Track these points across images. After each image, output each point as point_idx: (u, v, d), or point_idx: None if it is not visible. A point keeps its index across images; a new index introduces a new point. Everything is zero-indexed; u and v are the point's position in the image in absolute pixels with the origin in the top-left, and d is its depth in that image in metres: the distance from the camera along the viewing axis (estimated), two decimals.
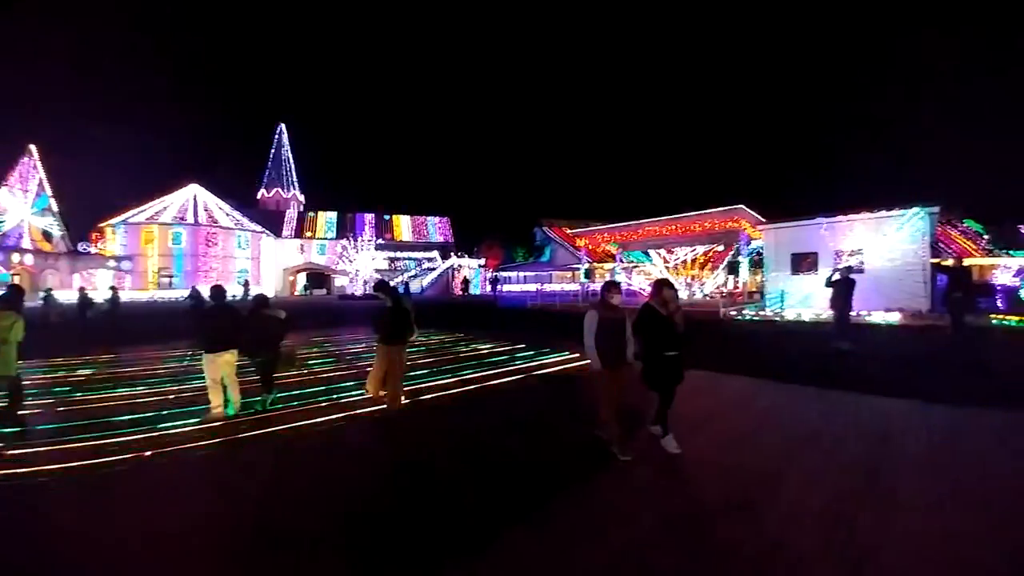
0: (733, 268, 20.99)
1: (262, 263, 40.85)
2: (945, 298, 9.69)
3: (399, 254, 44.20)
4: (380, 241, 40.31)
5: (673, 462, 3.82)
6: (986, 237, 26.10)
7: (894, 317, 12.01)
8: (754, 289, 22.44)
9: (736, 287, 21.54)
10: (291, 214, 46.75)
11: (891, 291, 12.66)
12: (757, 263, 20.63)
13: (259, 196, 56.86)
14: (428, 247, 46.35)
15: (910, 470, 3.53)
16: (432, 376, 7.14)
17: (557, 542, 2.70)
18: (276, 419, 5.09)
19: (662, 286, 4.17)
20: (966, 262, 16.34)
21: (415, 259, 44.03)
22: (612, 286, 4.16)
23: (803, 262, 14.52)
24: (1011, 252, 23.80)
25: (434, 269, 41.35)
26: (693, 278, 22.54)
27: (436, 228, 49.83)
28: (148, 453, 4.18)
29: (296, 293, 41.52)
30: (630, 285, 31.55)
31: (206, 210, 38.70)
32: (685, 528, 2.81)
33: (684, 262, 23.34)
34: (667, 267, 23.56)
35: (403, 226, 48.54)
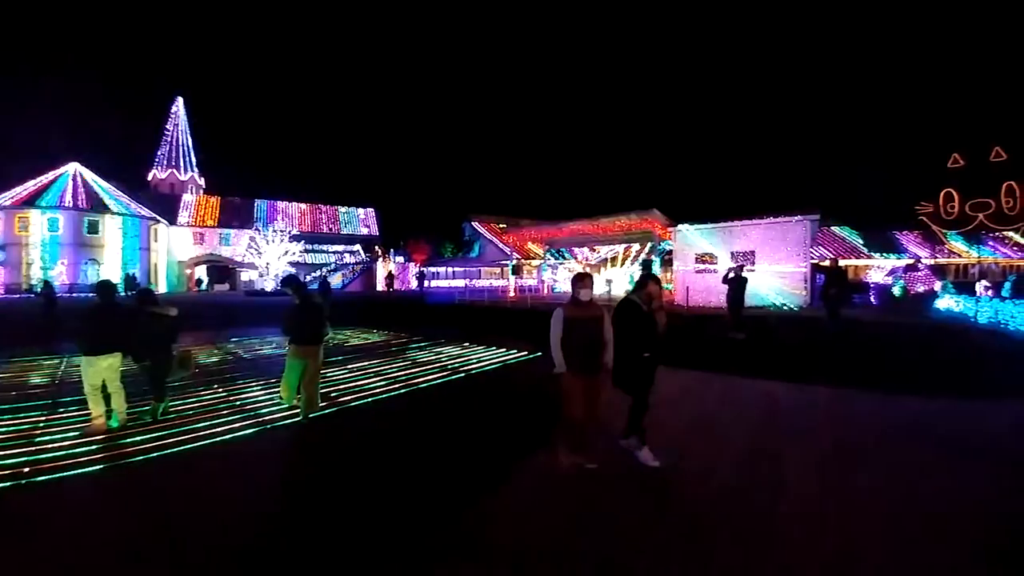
0: (647, 266, 22.55)
1: (156, 254, 36.24)
2: (822, 294, 11.21)
3: (318, 247, 41.53)
4: (295, 232, 37.56)
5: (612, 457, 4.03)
6: (860, 241, 30.56)
7: (780, 310, 13.71)
8: (667, 285, 24.32)
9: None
10: (189, 199, 41.77)
11: (777, 288, 14.42)
12: (667, 262, 22.34)
13: (150, 178, 50.35)
14: (351, 240, 44.12)
15: (789, 437, 4.10)
16: (353, 378, 6.87)
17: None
18: (169, 431, 4.59)
19: (648, 280, 3.80)
20: (841, 263, 18.90)
21: (336, 252, 41.69)
22: (582, 279, 3.63)
23: (704, 262, 16.02)
24: (884, 254, 28.02)
25: (357, 263, 39.55)
26: (618, 274, 23.95)
27: (360, 220, 47.56)
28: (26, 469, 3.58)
29: (195, 288, 37.25)
30: (555, 281, 32.63)
31: (88, 192, 33.36)
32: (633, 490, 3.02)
33: (605, 260, 24.70)
34: (590, 264, 24.81)
35: (323, 216, 45.68)
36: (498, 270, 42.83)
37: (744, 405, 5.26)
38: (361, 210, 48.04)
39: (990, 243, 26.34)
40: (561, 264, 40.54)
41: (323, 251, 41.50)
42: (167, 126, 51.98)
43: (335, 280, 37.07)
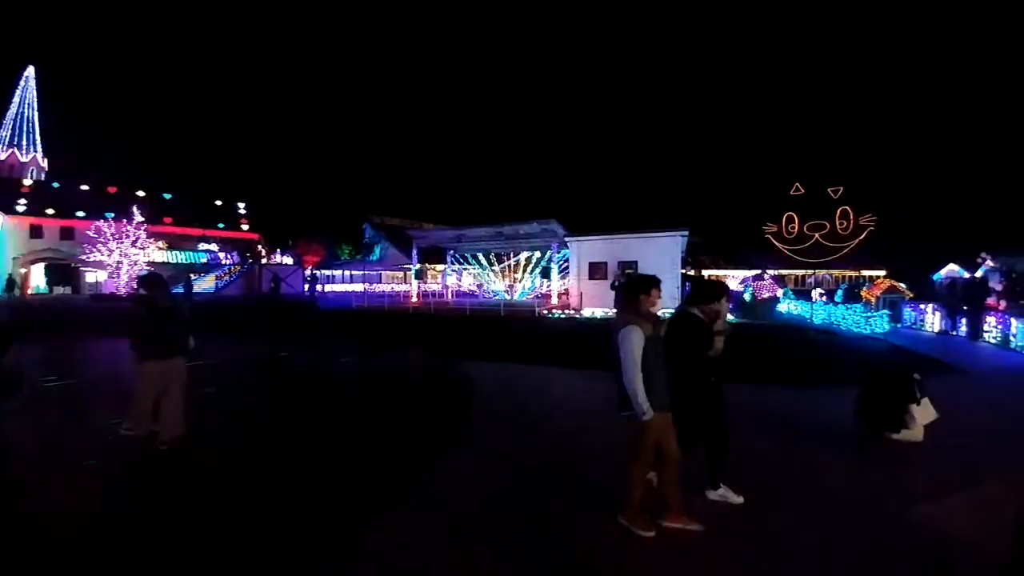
0: (546, 273, 23.64)
1: None
2: (688, 299, 12.81)
3: (186, 245, 36.36)
4: (158, 227, 32.43)
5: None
6: (719, 255, 35.62)
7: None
8: (564, 291, 25.73)
9: (549, 290, 24.33)
10: (28, 184, 33.92)
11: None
12: (565, 269, 23.70)
13: None
14: (227, 239, 39.40)
15: None
16: (225, 396, 6.17)
17: None
18: None
19: (722, 293, 3.23)
20: (705, 273, 21.59)
21: (209, 251, 36.89)
22: (653, 284, 2.86)
23: (596, 270, 17.37)
24: (737, 266, 32.83)
25: (235, 264, 35.45)
26: (516, 280, 24.65)
27: (240, 216, 42.70)
28: None
29: (31, 291, 30.20)
30: (459, 286, 32.57)
31: None
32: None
33: (508, 266, 25.35)
34: (494, 270, 25.29)
35: (194, 210, 40.12)
36: (401, 274, 41.54)
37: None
38: (242, 205, 43.21)
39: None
40: (466, 269, 40.57)
41: (192, 250, 36.43)
42: (16, 100, 42.76)
43: (207, 283, 32.77)
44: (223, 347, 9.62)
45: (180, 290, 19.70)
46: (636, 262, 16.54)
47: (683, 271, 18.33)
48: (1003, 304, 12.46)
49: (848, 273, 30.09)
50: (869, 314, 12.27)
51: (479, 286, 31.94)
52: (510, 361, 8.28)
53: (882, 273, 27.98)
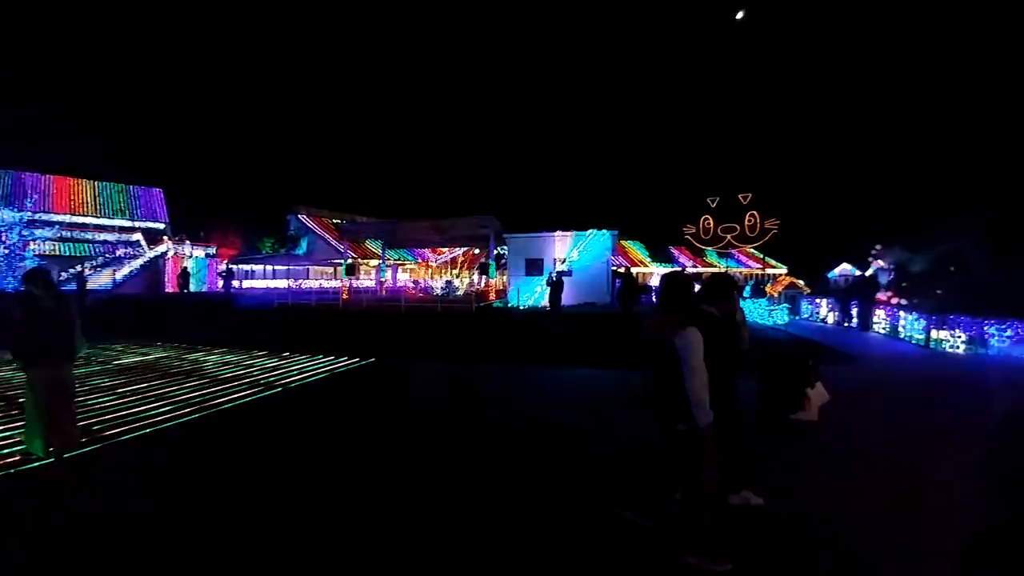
0: (484, 269, 23.71)
1: None
2: (618, 295, 13.51)
3: (79, 233, 31.85)
4: (45, 214, 28.07)
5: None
6: (645, 253, 37.86)
7: (588, 308, 16.03)
8: (501, 287, 26.00)
9: (487, 286, 24.45)
10: None
11: (587, 289, 16.84)
12: (502, 265, 23.91)
13: None
14: (130, 228, 35.08)
15: (586, 408, 4.86)
16: (125, 405, 5.52)
17: None
18: None
19: (731, 288, 3.04)
20: (633, 270, 22.75)
21: (108, 242, 32.64)
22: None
23: (533, 266, 17.75)
24: (661, 264, 35.08)
25: (136, 256, 31.72)
26: (456, 276, 24.48)
27: (144, 203, 38.14)
28: None
29: None
30: (395, 282, 31.67)
31: None
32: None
33: (446, 262, 25.09)
34: (432, 265, 24.90)
35: (87, 194, 35.19)
36: (330, 270, 39.52)
37: (557, 389, 6.02)
38: (144, 190, 38.60)
39: (736, 256, 35.17)
40: (401, 265, 39.56)
41: (88, 239, 32.00)
42: None
43: (104, 278, 29.03)
44: (126, 350, 8.60)
45: (72, 287, 17.32)
46: (569, 258, 17.13)
47: (613, 268, 19.25)
48: (892, 297, 14.38)
49: (755, 271, 33.40)
50: (772, 308, 13.70)
51: (415, 282, 31.30)
52: (448, 361, 8.25)
53: (784, 271, 31.35)
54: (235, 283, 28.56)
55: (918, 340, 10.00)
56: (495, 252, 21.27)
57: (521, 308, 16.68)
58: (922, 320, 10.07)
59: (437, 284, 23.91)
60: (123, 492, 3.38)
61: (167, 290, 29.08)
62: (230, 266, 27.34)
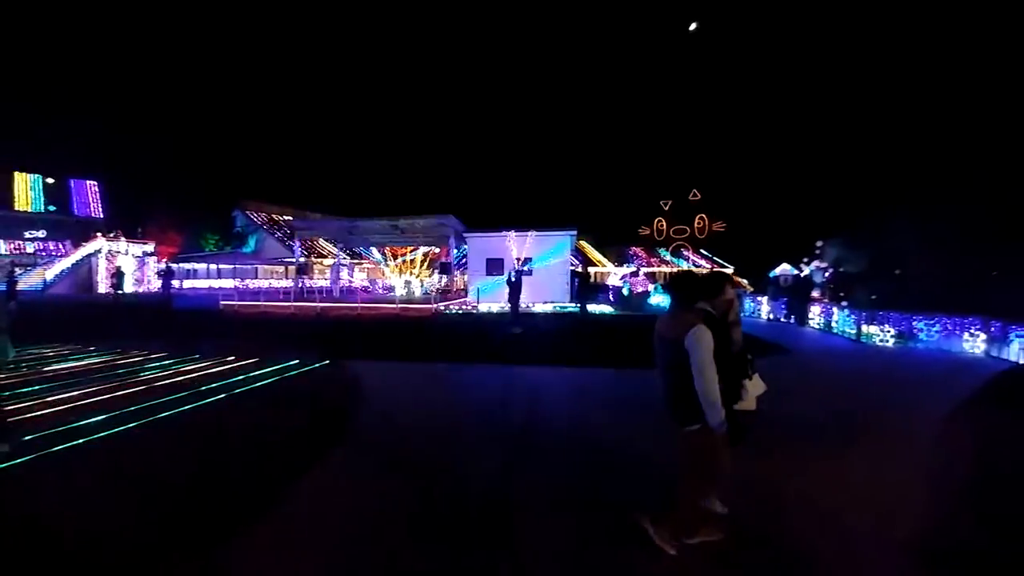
0: (445, 268, 23.49)
1: None
2: (576, 293, 13.78)
3: (5, 230, 28.88)
4: None
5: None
6: (601, 253, 38.82)
7: (548, 307, 16.24)
8: (462, 287, 25.82)
9: (449, 285, 24.24)
10: None
11: (547, 288, 17.05)
12: (462, 265, 23.76)
13: None
14: (59, 224, 32.09)
15: (550, 402, 4.92)
16: (53, 412, 5.05)
17: None
18: None
19: (724, 283, 2.86)
20: (591, 270, 23.21)
21: (37, 239, 29.75)
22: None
23: (494, 266, 17.76)
24: (617, 263, 35.99)
25: (66, 255, 29.12)
26: (415, 276, 24.06)
27: (77, 197, 34.99)
28: None
29: None
30: (351, 282, 30.78)
31: None
32: None
33: (406, 261, 24.60)
34: (392, 265, 24.35)
35: (17, 188, 31.86)
36: (281, 269, 37.88)
37: (516, 388, 6.05)
38: (77, 183, 35.49)
39: (687, 256, 36.56)
40: (357, 265, 38.45)
41: (16, 237, 29.08)
42: None
43: (34, 278, 26.46)
44: (56, 354, 7.85)
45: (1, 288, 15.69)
46: (530, 258, 17.28)
47: (572, 267, 19.61)
48: (823, 296, 15.46)
49: (704, 271, 35.20)
50: None
51: (372, 282, 30.52)
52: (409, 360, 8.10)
53: (731, 270, 33.09)
54: (175, 283, 26.70)
55: (850, 334, 10.83)
56: (456, 252, 21.12)
57: (479, 309, 16.64)
58: (853, 315, 10.91)
59: (398, 283, 23.41)
60: (42, 505, 3.07)
61: (99, 291, 26.87)
62: (169, 264, 25.55)
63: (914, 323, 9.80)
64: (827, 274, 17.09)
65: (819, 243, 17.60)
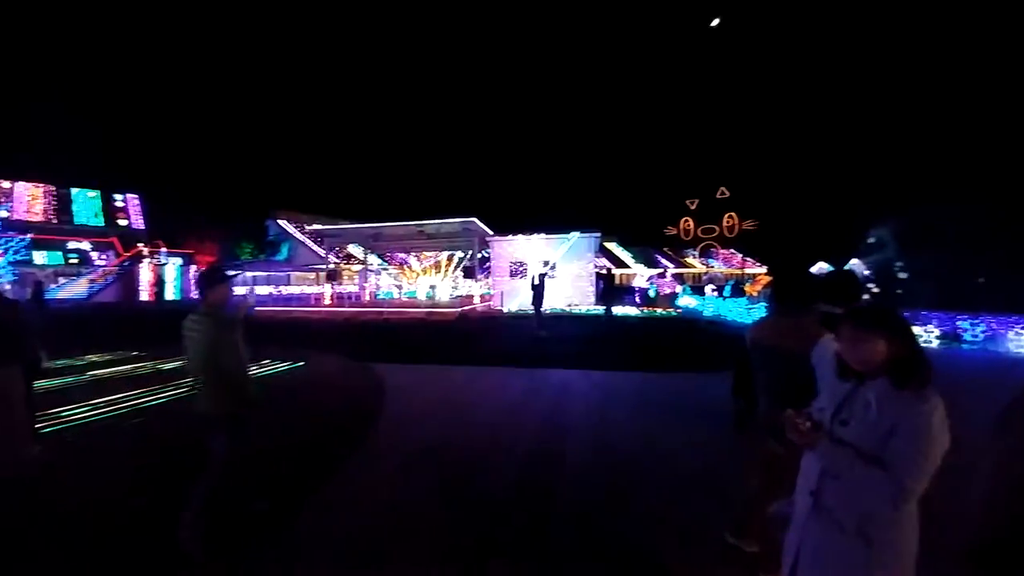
0: (469, 272, 23.60)
1: None
2: (601, 295, 13.57)
3: (51, 241, 30.84)
4: (15, 221, 27.10)
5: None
6: (629, 255, 38.24)
7: (574, 309, 16.06)
8: (487, 290, 25.87)
9: (473, 289, 24.33)
10: None
11: (571, 291, 16.87)
12: (486, 270, 23.82)
13: None
14: (104, 234, 34.03)
15: (584, 408, 4.82)
16: (91, 408, 5.31)
17: None
18: None
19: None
20: (616, 271, 22.89)
21: (78, 251, 31.67)
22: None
23: (517, 269, 17.72)
24: (644, 265, 35.42)
25: (109, 265, 30.80)
26: (440, 279, 24.27)
27: (119, 210, 37.07)
28: None
29: None
30: (379, 286, 31.32)
31: None
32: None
33: (432, 265, 24.85)
34: (418, 269, 24.66)
35: (62, 202, 34.06)
36: (312, 275, 38.94)
37: (541, 392, 5.96)
38: (121, 197, 37.61)
39: (717, 256, 35.64)
40: (385, 269, 39.12)
41: (60, 248, 31.05)
42: None
43: (79, 287, 28.13)
44: (100, 359, 8.26)
45: (20, 295, 16.73)
46: (554, 262, 17.17)
47: (596, 270, 19.36)
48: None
49: (736, 271, 33.99)
50: (751, 306, 13.92)
51: (399, 287, 30.99)
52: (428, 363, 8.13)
53: (763, 270, 31.96)
54: None
55: None
56: (479, 256, 21.17)
57: (505, 311, 16.61)
58: None
59: (423, 288, 23.67)
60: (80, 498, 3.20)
61: (142, 299, 28.30)
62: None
63: (958, 323, 9.26)
64: (866, 271, 16.28)
65: (870, 238, 16.75)
